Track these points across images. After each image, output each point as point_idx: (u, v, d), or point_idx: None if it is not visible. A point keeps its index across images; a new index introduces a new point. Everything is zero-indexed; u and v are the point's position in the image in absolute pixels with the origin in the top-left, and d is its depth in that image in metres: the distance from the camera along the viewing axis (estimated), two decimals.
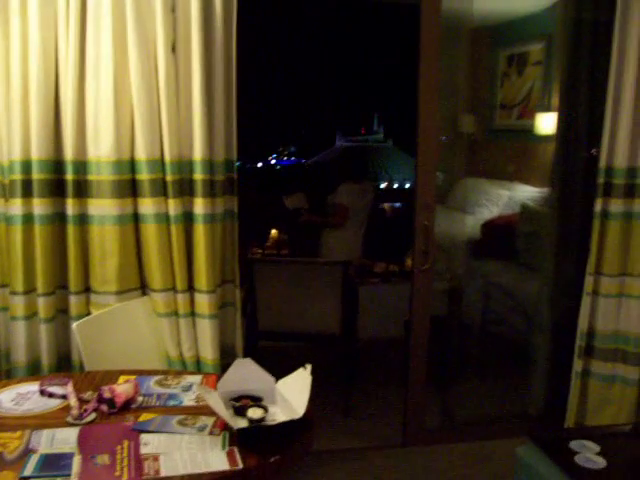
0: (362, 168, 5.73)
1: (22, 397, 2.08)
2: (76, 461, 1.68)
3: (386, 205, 7.92)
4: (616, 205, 3.17)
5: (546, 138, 5.31)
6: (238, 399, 1.95)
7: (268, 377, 2.00)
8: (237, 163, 2.93)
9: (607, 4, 3.20)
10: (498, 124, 6.68)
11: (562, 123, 3.90)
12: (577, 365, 3.34)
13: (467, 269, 5.04)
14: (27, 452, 1.72)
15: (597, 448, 2.53)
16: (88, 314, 2.74)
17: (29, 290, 2.72)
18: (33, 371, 2.75)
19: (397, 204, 8.23)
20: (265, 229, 5.75)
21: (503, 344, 4.63)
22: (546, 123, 5.53)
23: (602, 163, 3.20)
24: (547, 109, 5.63)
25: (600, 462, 2.43)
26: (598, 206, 3.21)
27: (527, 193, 5.51)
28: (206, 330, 2.80)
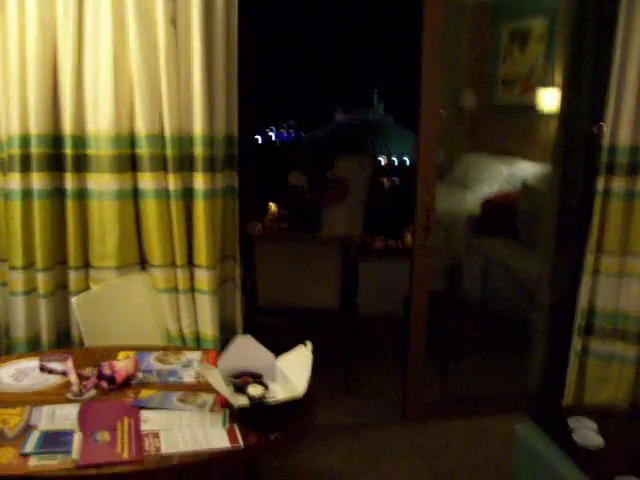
0: (361, 143, 5.70)
1: (22, 373, 2.08)
2: (76, 438, 1.69)
3: (386, 180, 7.89)
4: (619, 184, 3.15)
5: (549, 115, 5.27)
6: (238, 376, 1.95)
7: (268, 354, 2.00)
8: (237, 136, 2.91)
9: None
10: (500, 100, 6.63)
11: (565, 100, 3.86)
12: (576, 343, 3.35)
13: (467, 246, 5.03)
14: (27, 428, 1.73)
15: (595, 426, 2.55)
16: (88, 289, 2.73)
17: (28, 265, 2.71)
18: (33, 347, 2.75)
19: (397, 179, 8.19)
20: (265, 203, 5.72)
21: (503, 322, 4.63)
22: (549, 100, 5.49)
23: (605, 141, 3.17)
24: (550, 85, 5.59)
25: (598, 440, 2.45)
26: (600, 185, 3.19)
27: (529, 170, 5.48)
28: (206, 306, 2.80)
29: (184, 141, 2.70)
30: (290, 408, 1.78)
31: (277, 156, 9.44)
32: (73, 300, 2.54)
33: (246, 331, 2.99)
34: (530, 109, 5.83)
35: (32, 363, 2.14)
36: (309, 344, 1.97)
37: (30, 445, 1.65)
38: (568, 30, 3.79)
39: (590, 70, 3.58)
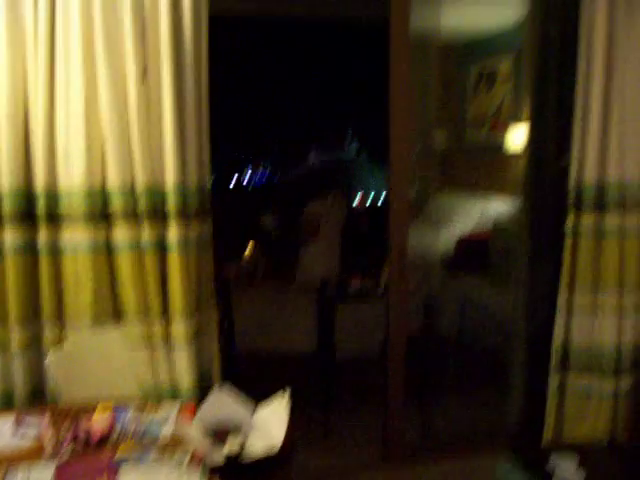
0: (335, 182, 5.75)
1: None
2: None
3: (361, 218, 7.94)
4: (587, 221, 3.20)
5: (517, 152, 5.36)
6: (216, 430, 1.94)
7: (245, 407, 2.00)
8: (212, 178, 2.92)
9: (572, 20, 3.24)
10: (470, 138, 6.74)
11: (532, 137, 3.94)
12: (553, 379, 3.37)
13: (443, 284, 5.06)
14: None
15: (575, 462, 2.56)
16: (62, 344, 2.71)
17: (1, 320, 2.68)
18: (6, 402, 2.70)
19: (371, 215, 8.23)
20: (241, 245, 5.74)
21: (481, 359, 4.64)
22: (517, 137, 5.59)
23: (572, 180, 3.23)
24: (518, 123, 5.69)
25: (579, 476, 2.46)
26: (569, 222, 3.24)
27: (500, 207, 5.55)
28: (182, 357, 2.78)
29: (157, 193, 2.71)
30: (268, 462, 1.78)
31: (250, 199, 9.49)
32: (48, 356, 2.52)
33: (224, 379, 2.98)
34: (499, 147, 5.93)
35: (6, 423, 2.11)
36: (286, 394, 1.97)
37: None
38: (532, 70, 3.88)
39: (555, 108, 3.65)
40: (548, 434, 3.41)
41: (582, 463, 2.58)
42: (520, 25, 5.01)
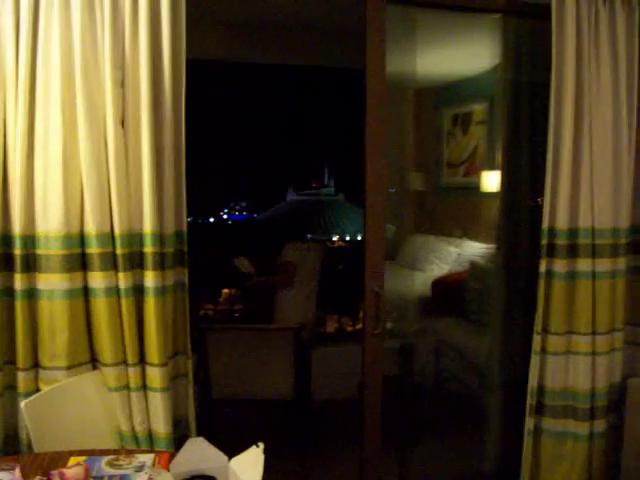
0: (312, 222, 5.79)
1: None
2: None
3: (338, 257, 7.96)
4: (560, 265, 3.25)
5: (492, 195, 5.44)
6: (191, 479, 1.93)
7: (221, 456, 1.99)
8: (189, 219, 2.93)
9: (543, 67, 3.32)
10: (445, 181, 6.85)
11: (506, 181, 4.01)
12: (529, 423, 3.37)
13: (418, 327, 5.08)
14: None
15: None
16: (37, 390, 2.68)
17: None
18: None
19: (348, 254, 8.27)
20: (217, 285, 5.73)
21: (456, 402, 4.65)
22: (491, 180, 5.68)
23: (544, 224, 3.28)
24: (492, 167, 5.79)
25: None
26: (543, 266, 3.28)
27: (475, 250, 5.62)
28: (158, 403, 2.76)
29: (134, 239, 2.72)
30: None
31: (226, 238, 9.50)
32: (22, 403, 2.49)
33: (200, 424, 2.96)
34: (474, 189, 6.02)
35: None
36: (261, 445, 1.97)
37: None
38: (505, 115, 3.96)
39: (528, 152, 3.73)
40: (524, 478, 3.41)
41: None
42: (493, 71, 5.15)
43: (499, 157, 5.29)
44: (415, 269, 6.03)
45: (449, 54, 5.81)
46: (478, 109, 6.20)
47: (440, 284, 5.47)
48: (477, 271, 5.16)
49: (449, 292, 5.35)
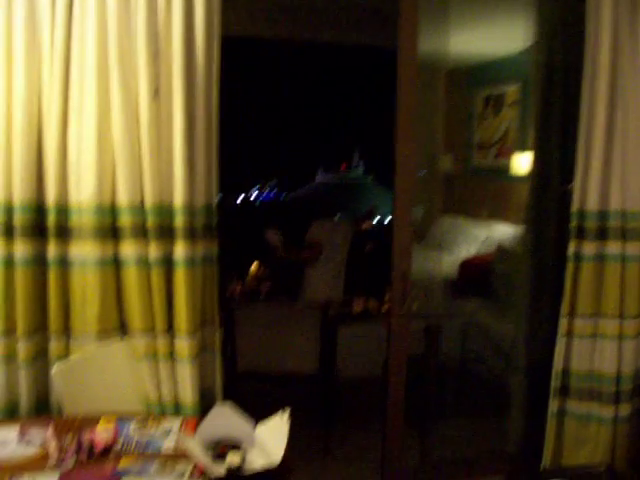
0: (341, 203, 5.79)
1: (1, 443, 2.08)
2: None
3: (366, 239, 7.95)
4: (589, 248, 3.23)
5: (522, 177, 5.40)
6: (217, 445, 1.97)
7: (246, 423, 2.02)
8: (219, 195, 2.96)
9: (577, 49, 3.29)
10: (475, 163, 6.80)
11: (537, 163, 3.97)
12: (553, 405, 3.38)
13: (445, 308, 5.08)
14: None
15: None
16: (68, 356, 2.75)
17: (8, 331, 2.72)
18: (11, 413, 2.74)
19: (376, 236, 8.25)
20: (246, 262, 5.76)
21: (481, 383, 4.66)
22: (522, 163, 5.63)
23: (574, 206, 3.26)
24: (523, 149, 5.74)
25: None
26: (571, 249, 3.27)
27: (504, 232, 5.59)
28: (185, 373, 2.81)
29: (164, 211, 2.76)
30: (267, 476, 1.80)
31: (256, 214, 9.54)
32: (53, 368, 2.55)
33: (226, 397, 3.00)
34: (505, 172, 5.98)
35: (11, 432, 2.15)
36: (286, 411, 2.00)
37: None
38: (538, 96, 3.92)
39: (560, 135, 3.69)
40: (547, 459, 3.42)
41: None
42: (527, 52, 5.09)
43: (531, 139, 5.24)
44: (443, 251, 6.02)
45: (482, 34, 5.76)
46: (510, 90, 6.14)
47: (468, 266, 5.45)
48: (505, 253, 5.14)
49: (477, 274, 5.33)
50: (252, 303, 4.37)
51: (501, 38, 5.74)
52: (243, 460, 1.88)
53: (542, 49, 3.87)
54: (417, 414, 4.03)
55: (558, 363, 3.34)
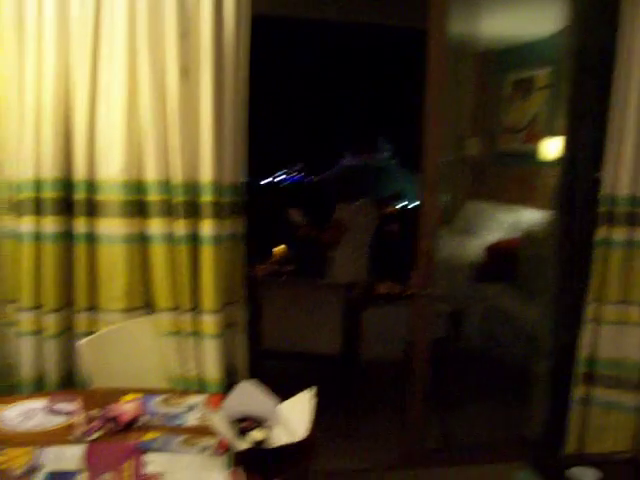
0: (366, 186, 5.77)
1: (29, 414, 2.12)
2: (82, 479, 1.72)
3: (391, 223, 7.94)
4: (618, 233, 3.20)
5: (551, 163, 5.34)
6: (241, 421, 1.98)
7: (271, 400, 2.03)
8: (245, 180, 2.97)
9: (610, 32, 3.24)
10: (503, 148, 6.73)
11: (567, 149, 3.93)
12: (577, 392, 3.36)
13: (469, 292, 5.06)
14: (33, 469, 1.76)
15: (596, 476, 2.54)
16: (94, 331, 2.77)
17: (36, 306, 2.75)
18: (39, 387, 2.78)
19: (401, 220, 8.23)
20: (270, 244, 5.77)
21: (503, 368, 4.64)
22: (551, 148, 5.56)
23: (604, 191, 3.23)
24: (552, 134, 5.67)
25: None
26: (600, 234, 3.24)
27: (531, 218, 5.54)
28: (211, 350, 2.83)
29: (192, 188, 2.76)
30: (291, 452, 1.81)
31: (280, 197, 9.54)
32: (80, 342, 2.58)
33: (250, 375, 3.02)
34: (532, 157, 5.91)
35: (39, 404, 2.18)
36: (312, 389, 2.01)
37: None
38: (569, 80, 3.87)
39: (591, 119, 3.65)
40: (569, 445, 3.40)
41: (603, 477, 2.57)
42: (558, 35, 5.01)
43: (560, 124, 5.18)
44: (469, 235, 5.99)
45: (513, 16, 5.69)
46: (540, 74, 6.06)
47: (494, 250, 5.42)
48: (531, 238, 5.10)
49: (502, 258, 5.30)
50: (277, 283, 4.37)
51: (532, 21, 5.66)
52: (268, 435, 1.89)
53: (574, 32, 3.82)
54: (439, 397, 4.03)
55: (583, 349, 3.32)
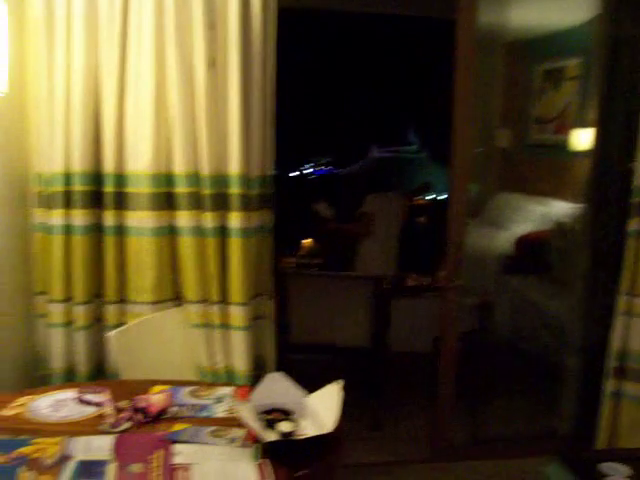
0: (395, 179, 5.73)
1: (59, 404, 2.14)
2: (111, 469, 1.73)
3: (420, 215, 7.90)
4: None
5: (582, 154, 5.27)
6: (269, 412, 1.98)
7: (299, 392, 2.03)
8: (273, 172, 2.97)
9: None
10: (533, 139, 6.65)
11: (598, 139, 3.88)
12: (609, 386, 3.31)
13: (499, 284, 5.01)
14: (64, 458, 1.77)
15: (628, 472, 2.50)
16: (123, 323, 2.80)
17: (67, 298, 2.79)
18: (69, 378, 2.82)
19: (430, 212, 8.18)
20: (298, 237, 5.77)
21: (533, 361, 4.60)
22: (582, 139, 5.49)
23: (637, 182, 3.18)
24: (584, 125, 5.59)
25: None
26: (632, 225, 3.19)
27: (561, 209, 5.47)
28: (239, 342, 2.84)
29: (220, 180, 2.77)
30: (319, 444, 1.81)
31: (308, 189, 9.53)
32: (109, 334, 2.60)
33: (278, 367, 3.03)
34: (563, 148, 5.84)
35: (70, 394, 2.20)
36: (340, 382, 2.00)
37: (66, 475, 1.69)
38: (601, 70, 3.81)
39: (623, 110, 3.59)
40: (600, 441, 3.36)
41: (635, 474, 2.52)
42: (589, 23, 4.94)
43: (592, 115, 5.10)
44: (499, 227, 5.93)
45: (543, 5, 5.61)
46: (571, 64, 5.97)
47: (524, 242, 5.37)
48: (562, 230, 5.04)
49: (532, 250, 5.24)
50: (305, 275, 4.37)
51: (562, 9, 5.58)
52: (295, 427, 1.89)
53: (606, 21, 3.76)
54: (468, 390, 4.00)
55: (614, 343, 3.27)
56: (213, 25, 2.70)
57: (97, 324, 2.86)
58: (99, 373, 2.87)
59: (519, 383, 4.34)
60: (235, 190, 2.76)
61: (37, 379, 2.89)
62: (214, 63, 2.72)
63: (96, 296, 2.84)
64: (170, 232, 2.80)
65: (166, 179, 2.75)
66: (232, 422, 2.01)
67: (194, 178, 2.74)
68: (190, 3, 2.66)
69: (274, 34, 2.82)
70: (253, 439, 1.88)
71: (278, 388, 2.01)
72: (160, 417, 2.04)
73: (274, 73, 2.86)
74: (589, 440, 3.40)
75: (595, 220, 3.81)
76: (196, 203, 2.76)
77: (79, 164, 2.69)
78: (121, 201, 2.76)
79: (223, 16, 2.70)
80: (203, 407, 2.13)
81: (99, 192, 2.77)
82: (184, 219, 2.76)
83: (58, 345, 2.80)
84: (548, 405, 4.08)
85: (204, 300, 2.82)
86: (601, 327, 3.45)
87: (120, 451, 1.82)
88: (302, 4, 4.34)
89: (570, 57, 6.00)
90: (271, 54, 2.83)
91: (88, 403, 2.13)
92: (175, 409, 2.09)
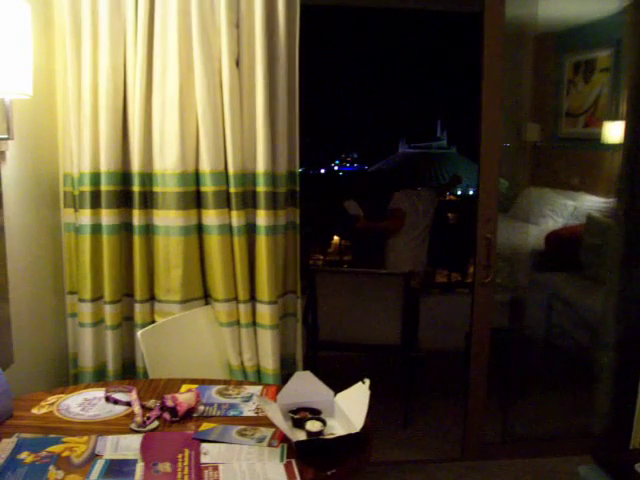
0: (424, 174, 5.69)
1: (89, 403, 2.15)
2: (139, 468, 1.73)
3: (450, 211, 7.85)
4: None
5: (613, 147, 5.18)
6: (297, 411, 1.97)
7: (327, 390, 2.02)
8: (300, 169, 2.96)
9: None
10: (564, 132, 6.56)
11: (631, 132, 3.81)
12: None
13: (530, 281, 4.95)
14: (93, 457, 1.78)
15: None
16: (152, 322, 2.81)
17: (96, 298, 2.81)
18: (99, 376, 2.84)
19: (460, 208, 8.12)
20: (327, 235, 5.76)
21: (566, 359, 4.53)
22: (614, 132, 5.40)
23: None
24: (615, 117, 5.50)
25: None
26: None
27: (593, 204, 5.39)
28: (267, 340, 2.84)
29: (247, 178, 2.77)
30: (347, 444, 1.80)
31: (337, 187, 9.52)
32: (139, 332, 2.62)
33: (307, 365, 3.02)
34: (594, 141, 5.74)
35: (98, 393, 2.21)
36: (367, 381, 1.98)
37: (95, 473, 1.70)
38: (633, 61, 3.74)
39: None
40: (636, 440, 3.30)
41: None
42: (621, 13, 4.85)
43: (624, 107, 5.01)
44: (529, 222, 5.85)
45: None
46: (602, 55, 5.87)
47: (555, 238, 5.29)
48: (594, 225, 4.96)
49: (564, 246, 5.17)
50: (335, 273, 4.35)
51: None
52: (323, 427, 1.88)
53: (638, 11, 3.69)
54: (500, 388, 3.96)
55: None
56: (238, 23, 2.70)
57: (126, 323, 2.88)
58: (129, 372, 2.89)
59: (552, 381, 4.27)
60: (262, 188, 2.76)
61: (67, 378, 2.92)
62: (239, 62, 2.71)
63: (125, 295, 2.86)
64: (197, 231, 2.80)
65: (193, 178, 2.75)
66: (260, 421, 2.00)
67: (221, 176, 2.74)
68: (214, 3, 2.66)
69: (298, 31, 2.81)
70: (281, 439, 1.88)
71: (306, 387, 2.00)
72: (188, 416, 2.04)
73: (298, 70, 2.84)
74: (624, 440, 3.34)
75: (627, 214, 3.75)
76: (223, 201, 2.76)
77: (107, 164, 2.70)
78: (149, 200, 2.77)
79: (248, 15, 2.69)
80: (231, 406, 2.13)
81: (127, 192, 2.78)
82: (211, 217, 2.76)
83: (88, 344, 2.83)
84: (582, 403, 4.02)
85: (232, 298, 2.82)
86: (636, 324, 3.39)
87: (148, 450, 1.82)
88: (328, 1, 4.32)
89: (601, 48, 5.90)
90: (296, 52, 2.82)
91: (117, 402, 2.14)
92: (203, 408, 2.10)
